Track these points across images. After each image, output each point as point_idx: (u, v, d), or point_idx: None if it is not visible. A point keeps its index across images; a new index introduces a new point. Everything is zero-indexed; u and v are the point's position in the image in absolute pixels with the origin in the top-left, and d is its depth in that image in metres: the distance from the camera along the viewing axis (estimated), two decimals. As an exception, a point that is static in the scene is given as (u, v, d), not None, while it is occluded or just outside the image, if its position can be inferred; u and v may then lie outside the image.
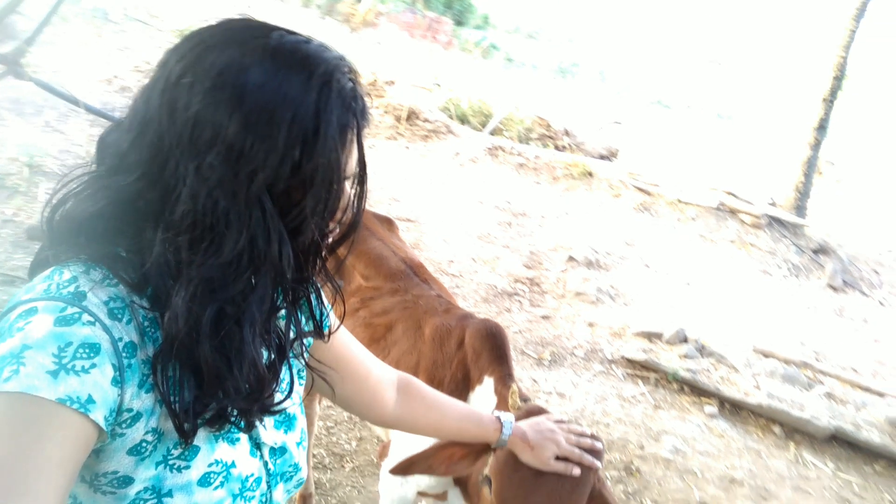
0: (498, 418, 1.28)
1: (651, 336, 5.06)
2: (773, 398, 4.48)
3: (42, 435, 0.65)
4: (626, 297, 5.77)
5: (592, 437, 1.30)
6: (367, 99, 0.87)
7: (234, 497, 0.88)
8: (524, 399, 1.58)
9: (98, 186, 0.78)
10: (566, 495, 1.22)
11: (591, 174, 8.66)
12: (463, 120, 10.00)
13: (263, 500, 0.94)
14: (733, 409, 4.41)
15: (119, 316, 0.75)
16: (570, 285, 5.63)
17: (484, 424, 1.26)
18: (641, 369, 4.59)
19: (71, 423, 0.67)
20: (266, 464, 0.95)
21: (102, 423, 0.70)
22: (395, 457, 1.93)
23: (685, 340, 5.04)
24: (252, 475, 0.91)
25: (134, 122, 0.78)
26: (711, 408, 4.32)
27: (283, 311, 0.92)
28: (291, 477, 1.00)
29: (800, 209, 9.31)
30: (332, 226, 0.88)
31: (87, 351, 0.70)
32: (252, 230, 0.75)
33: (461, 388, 1.80)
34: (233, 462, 0.88)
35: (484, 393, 1.74)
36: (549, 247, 6.48)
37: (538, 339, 4.70)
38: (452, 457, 1.35)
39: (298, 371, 1.05)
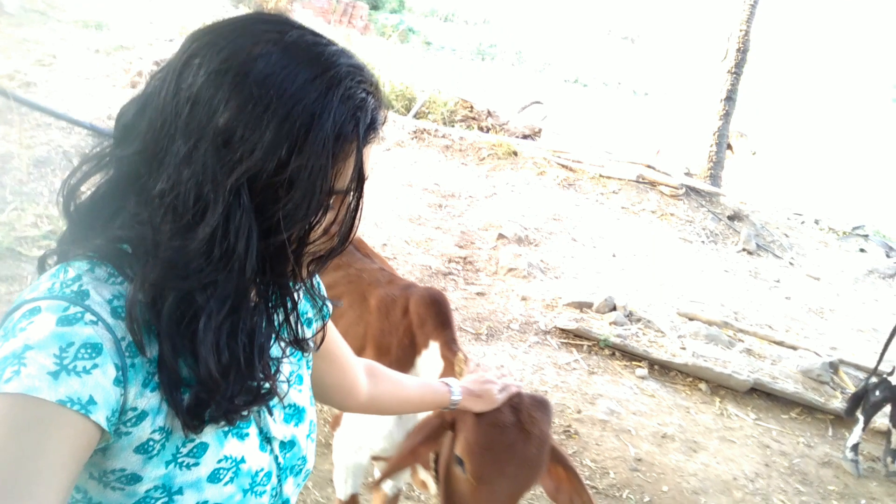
0: (445, 383, 1.38)
1: (582, 306, 5.24)
2: (698, 357, 4.74)
3: (43, 437, 0.64)
4: (556, 271, 5.94)
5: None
6: (382, 113, 0.83)
7: (245, 492, 0.87)
8: None
9: (108, 158, 0.78)
10: (533, 457, 1.37)
11: (515, 153, 8.81)
12: (387, 105, 9.96)
13: (274, 494, 0.93)
14: (662, 370, 4.64)
15: (123, 314, 0.74)
16: (503, 262, 5.75)
17: (438, 391, 1.35)
18: (574, 338, 4.76)
19: (72, 425, 0.66)
20: (276, 458, 0.93)
21: (104, 424, 0.69)
22: (348, 426, 1.99)
23: (614, 308, 5.24)
24: (262, 469, 0.90)
25: (144, 93, 0.78)
26: (642, 370, 4.53)
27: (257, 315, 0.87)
28: (300, 470, 0.99)
29: (714, 178, 9.74)
30: (314, 236, 0.82)
31: (88, 351, 0.69)
32: (223, 220, 0.73)
33: (408, 354, 1.87)
34: (242, 457, 0.87)
35: (430, 356, 1.82)
36: (479, 226, 6.59)
37: (475, 315, 4.80)
38: (417, 454, 1.46)
39: (307, 362, 1.05)
